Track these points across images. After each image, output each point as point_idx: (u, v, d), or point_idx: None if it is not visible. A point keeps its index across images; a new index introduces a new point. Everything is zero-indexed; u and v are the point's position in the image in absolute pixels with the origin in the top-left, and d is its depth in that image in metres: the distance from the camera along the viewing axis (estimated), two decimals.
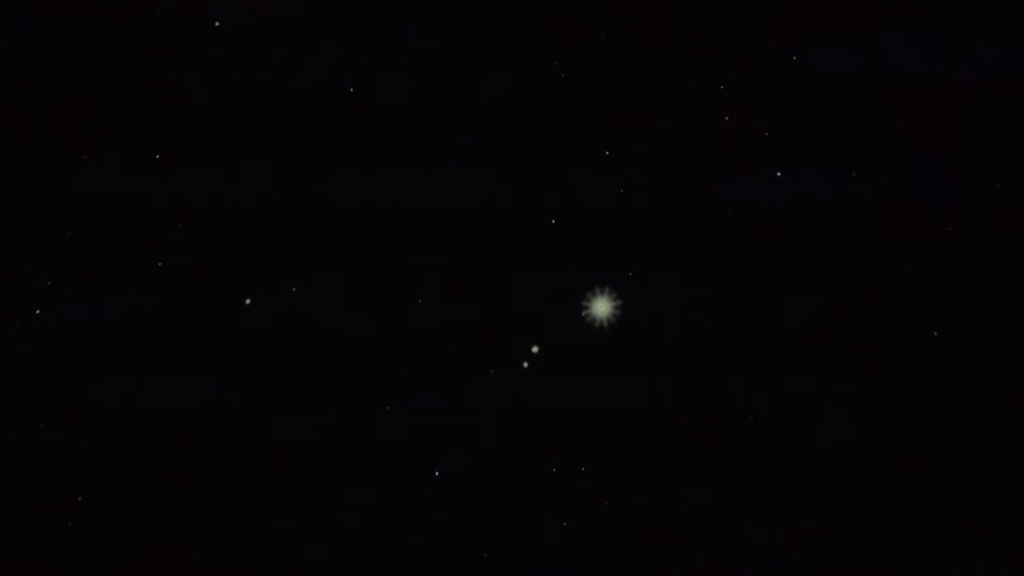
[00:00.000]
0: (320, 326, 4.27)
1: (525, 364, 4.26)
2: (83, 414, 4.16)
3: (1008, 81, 4.28)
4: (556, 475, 4.22)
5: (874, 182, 4.31)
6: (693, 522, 4.19)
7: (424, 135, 4.34)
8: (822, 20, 4.34)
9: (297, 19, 4.35)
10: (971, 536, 4.09)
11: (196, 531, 4.12)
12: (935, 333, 4.24)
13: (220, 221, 4.28)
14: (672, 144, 4.34)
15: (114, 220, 4.26)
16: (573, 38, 4.35)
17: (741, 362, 4.26)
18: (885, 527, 4.14)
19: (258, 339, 4.25)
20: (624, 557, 4.18)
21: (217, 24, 4.33)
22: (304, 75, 4.33)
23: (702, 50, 4.35)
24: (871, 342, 4.24)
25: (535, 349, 4.26)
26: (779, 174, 4.33)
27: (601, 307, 4.26)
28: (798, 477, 4.19)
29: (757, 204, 4.32)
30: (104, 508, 4.12)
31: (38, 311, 4.19)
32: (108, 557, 4.08)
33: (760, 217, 4.32)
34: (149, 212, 4.27)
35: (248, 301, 4.26)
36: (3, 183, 4.23)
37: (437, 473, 4.21)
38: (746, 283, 4.29)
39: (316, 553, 4.14)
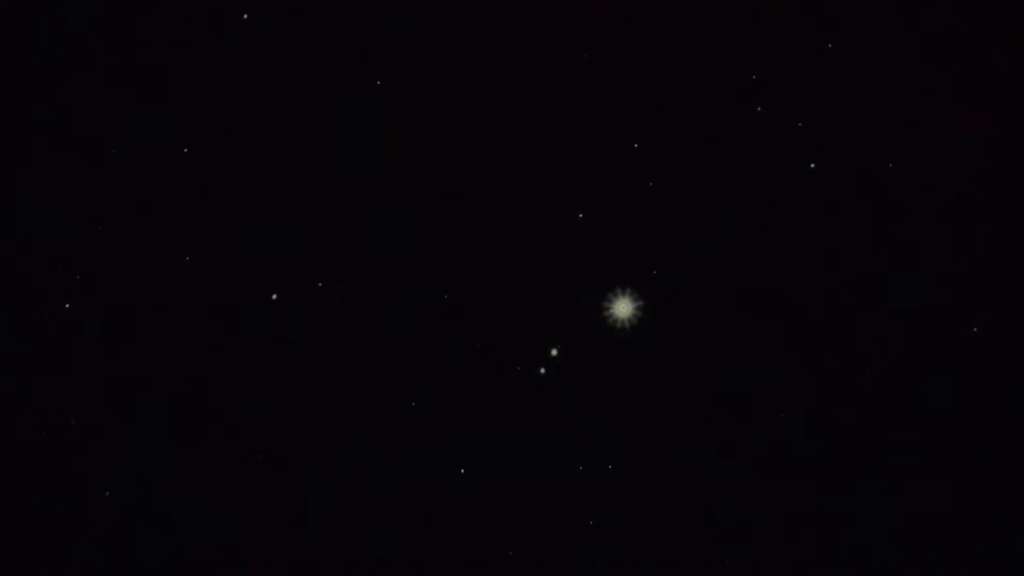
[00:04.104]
0: (346, 322, 4.26)
1: (553, 358, 4.22)
2: (110, 408, 4.19)
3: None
4: (583, 473, 4.19)
5: (907, 177, 4.20)
6: (720, 522, 4.14)
7: (452, 128, 4.29)
8: (850, 12, 4.22)
9: (322, 14, 4.32)
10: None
11: (216, 528, 4.14)
12: (974, 329, 4.13)
13: (250, 217, 4.27)
14: (702, 138, 4.25)
15: (143, 215, 4.28)
16: (602, 28, 4.27)
17: (767, 361, 4.19)
18: (922, 532, 4.08)
19: (284, 334, 4.25)
20: (651, 556, 4.15)
21: (246, 16, 4.31)
22: (333, 67, 4.31)
23: (734, 42, 4.24)
24: (903, 344, 4.15)
25: (560, 346, 4.21)
26: (812, 166, 4.23)
27: (625, 305, 4.20)
28: (825, 477, 4.12)
29: (788, 199, 4.23)
30: (129, 503, 4.17)
31: (67, 304, 4.23)
32: (131, 552, 4.13)
33: (791, 212, 4.22)
34: (177, 208, 4.28)
35: (275, 296, 4.27)
36: (31, 180, 4.25)
37: (462, 471, 4.20)
38: (773, 281, 4.21)
39: (340, 551, 4.15)
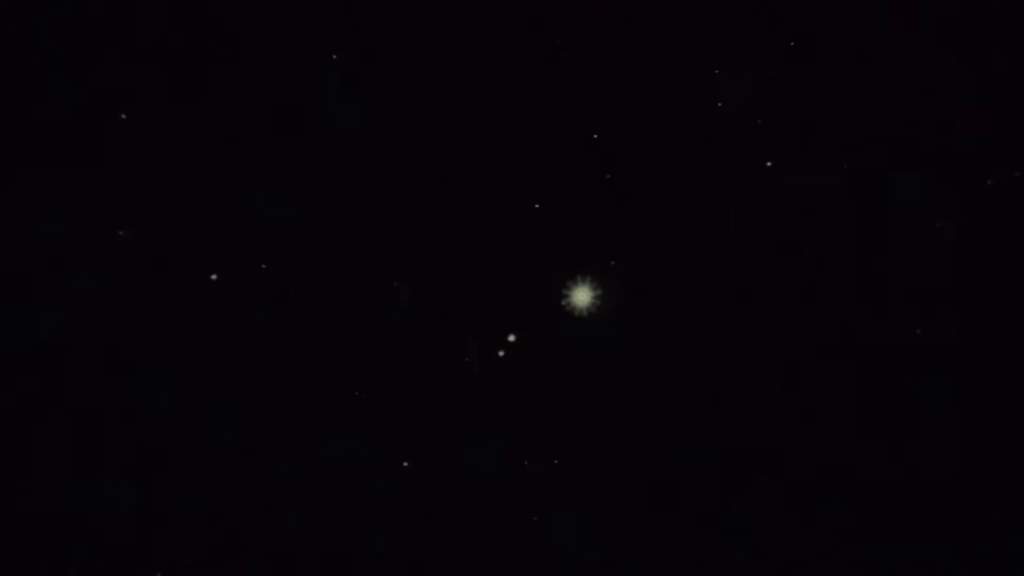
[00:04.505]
0: (287, 305, 4.10)
1: (501, 353, 4.13)
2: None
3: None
4: (528, 468, 4.11)
5: (870, 174, 4.19)
6: (668, 521, 4.09)
7: (403, 111, 4.15)
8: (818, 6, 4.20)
9: None
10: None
11: (149, 519, 3.98)
12: (917, 332, 4.15)
13: (187, 194, 4.08)
14: (662, 129, 4.19)
15: (74, 184, 4.06)
16: (567, 12, 4.17)
17: (722, 358, 4.15)
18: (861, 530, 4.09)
19: (222, 315, 4.08)
20: (595, 554, 4.08)
21: None
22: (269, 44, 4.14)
23: (697, 33, 4.19)
24: (860, 341, 4.15)
25: (512, 338, 4.12)
26: (769, 164, 4.20)
27: (582, 296, 4.13)
28: (778, 480, 4.10)
29: (747, 194, 4.20)
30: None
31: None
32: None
33: (749, 207, 4.19)
34: (113, 180, 4.07)
35: (214, 277, 4.09)
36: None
37: (405, 464, 4.08)
38: (732, 275, 4.17)
39: (274, 543, 4.01)
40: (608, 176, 4.19)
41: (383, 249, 4.14)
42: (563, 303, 4.13)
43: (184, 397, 4.03)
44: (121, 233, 3.90)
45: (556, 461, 4.12)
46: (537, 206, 4.17)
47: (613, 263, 4.17)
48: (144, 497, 3.97)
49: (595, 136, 4.19)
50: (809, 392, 4.13)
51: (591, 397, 4.14)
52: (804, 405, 4.13)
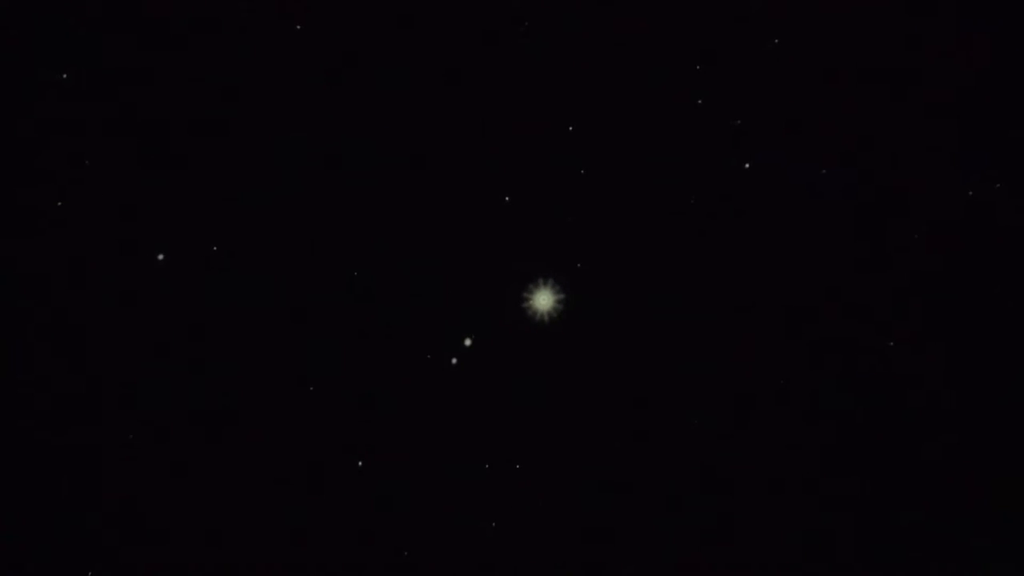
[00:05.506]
0: (243, 294, 3.90)
1: (460, 356, 3.97)
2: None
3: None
4: (488, 472, 3.96)
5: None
6: (626, 525, 3.98)
7: (370, 99, 3.97)
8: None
9: None
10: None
11: (87, 521, 3.81)
12: (891, 344, 4.07)
13: (145, 176, 3.90)
14: (640, 125, 4.05)
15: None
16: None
17: (684, 363, 4.04)
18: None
19: (173, 301, 3.88)
20: (555, 559, 3.95)
21: None
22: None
23: (678, 30, 4.06)
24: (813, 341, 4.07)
25: (471, 339, 3.97)
26: (747, 166, 4.10)
27: (544, 298, 3.99)
28: (745, 484, 4.01)
29: (721, 196, 4.08)
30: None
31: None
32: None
33: (723, 209, 4.08)
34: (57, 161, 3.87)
35: (161, 257, 3.87)
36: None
37: (360, 463, 3.90)
38: (698, 279, 4.06)
39: (223, 547, 3.84)
40: (582, 171, 4.07)
41: (343, 238, 3.97)
42: (526, 304, 4.00)
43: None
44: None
45: (518, 466, 4.00)
46: (507, 199, 4.03)
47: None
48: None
49: (570, 128, 4.06)
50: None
51: (548, 402, 4.02)
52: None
